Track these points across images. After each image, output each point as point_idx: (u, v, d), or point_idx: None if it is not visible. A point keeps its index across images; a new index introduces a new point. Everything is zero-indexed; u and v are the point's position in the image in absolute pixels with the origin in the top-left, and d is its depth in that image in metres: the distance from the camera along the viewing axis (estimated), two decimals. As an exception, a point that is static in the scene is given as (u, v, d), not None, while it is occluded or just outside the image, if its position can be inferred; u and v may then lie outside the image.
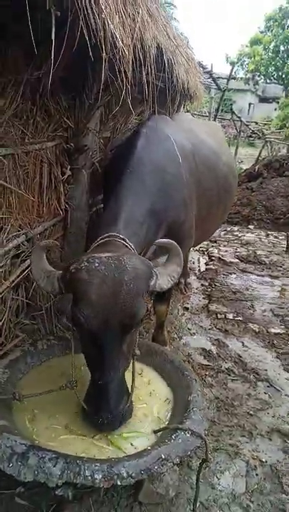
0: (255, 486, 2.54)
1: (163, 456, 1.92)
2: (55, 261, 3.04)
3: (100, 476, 1.77)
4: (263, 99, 37.59)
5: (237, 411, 3.21)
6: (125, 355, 2.20)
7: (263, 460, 2.74)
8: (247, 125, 14.89)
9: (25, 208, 3.07)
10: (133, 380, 2.30)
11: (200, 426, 2.19)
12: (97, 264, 2.08)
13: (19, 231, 3.03)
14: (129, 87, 2.24)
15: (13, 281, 2.96)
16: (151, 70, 2.54)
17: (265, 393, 3.44)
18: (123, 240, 2.42)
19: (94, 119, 3.41)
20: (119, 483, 1.78)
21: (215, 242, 7.94)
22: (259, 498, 2.47)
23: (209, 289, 5.56)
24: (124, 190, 2.71)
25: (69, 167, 3.40)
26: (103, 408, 2.12)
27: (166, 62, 2.92)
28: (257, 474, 2.63)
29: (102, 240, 2.42)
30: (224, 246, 7.70)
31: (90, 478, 1.76)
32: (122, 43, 2.04)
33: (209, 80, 9.13)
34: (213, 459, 2.69)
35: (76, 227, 3.73)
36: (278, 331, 4.48)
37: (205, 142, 3.94)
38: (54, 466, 1.78)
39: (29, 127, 2.89)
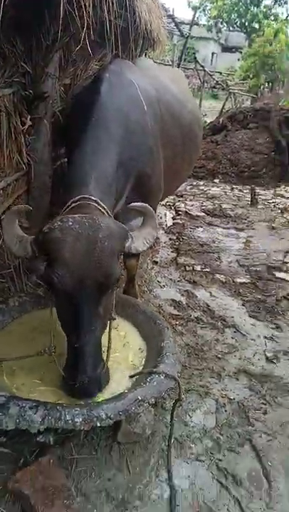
0: (224, 421, 2.73)
1: (139, 398, 2.02)
2: (26, 226, 2.91)
3: (80, 419, 1.84)
4: (226, 49, 36.58)
5: (206, 355, 3.37)
6: (102, 318, 2.19)
7: (231, 398, 2.93)
8: (211, 75, 14.54)
9: (-17, 161, 2.90)
10: (109, 345, 2.32)
11: (173, 369, 2.30)
12: (70, 223, 2.04)
13: (-20, 186, 2.88)
14: (90, 24, 2.08)
15: (-23, 238, 2.85)
16: (112, 5, 2.37)
17: (232, 338, 3.63)
18: (96, 202, 2.34)
19: (53, 63, 3.19)
20: (98, 424, 1.87)
21: (181, 196, 7.96)
22: (228, 431, 2.66)
23: (177, 243, 5.63)
24: (90, 141, 2.59)
25: (29, 116, 3.20)
26: (80, 372, 2.07)
27: (127, -2, 2.73)
28: (226, 410, 2.82)
29: (73, 204, 2.33)
30: (190, 200, 7.74)
31: (70, 422, 1.83)
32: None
33: (171, 25, 8.74)
34: (185, 399, 2.84)
35: (40, 181, 3.58)
36: (244, 280, 4.65)
37: (169, 88, 3.78)
38: (35, 414, 1.83)
39: (-18, 71, 2.67)
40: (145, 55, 5.75)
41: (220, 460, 2.45)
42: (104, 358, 2.28)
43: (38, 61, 3.12)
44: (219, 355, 3.37)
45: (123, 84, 2.97)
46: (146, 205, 2.45)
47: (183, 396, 2.43)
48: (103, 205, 2.36)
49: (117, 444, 2.41)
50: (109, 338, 2.36)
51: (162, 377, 2.18)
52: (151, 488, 2.24)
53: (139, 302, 3.05)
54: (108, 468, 2.30)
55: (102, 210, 2.34)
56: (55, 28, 3.00)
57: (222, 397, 2.94)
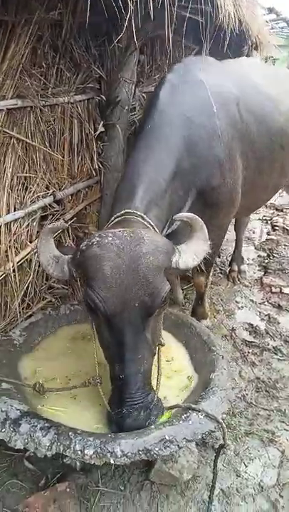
0: (288, 480, 2.23)
1: (167, 438, 1.71)
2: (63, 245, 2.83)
3: (91, 452, 1.61)
4: None
5: (279, 394, 2.87)
6: (149, 344, 1.93)
7: (302, 451, 2.40)
8: None
9: (52, 167, 2.93)
10: (159, 374, 2.04)
11: (217, 408, 1.92)
12: (110, 238, 1.84)
13: (46, 192, 2.90)
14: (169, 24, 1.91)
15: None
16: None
17: (315, 377, 3.04)
18: (141, 217, 2.11)
19: (128, 67, 3.09)
20: (112, 461, 1.61)
21: (281, 210, 7.25)
22: (291, 493, 2.17)
23: (266, 261, 5.08)
24: (143, 151, 2.37)
25: (102, 122, 3.16)
26: (126, 407, 1.83)
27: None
28: (292, 466, 2.31)
29: (117, 219, 2.13)
30: (287, 214, 6.99)
31: (80, 452, 1.61)
32: None
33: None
34: (243, 444, 2.42)
35: (112, 189, 3.51)
36: None
37: (258, 87, 3.31)
38: (44, 436, 1.66)
39: (51, 78, 2.68)
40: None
41: (274, 530, 1.99)
42: (155, 388, 2.01)
43: (112, 66, 3.06)
44: (295, 397, 2.83)
45: (189, 84, 2.67)
46: (194, 215, 2.13)
47: (229, 442, 2.03)
48: (149, 219, 2.12)
49: (149, 483, 2.12)
50: (159, 366, 2.06)
51: (201, 417, 1.83)
52: None
53: (195, 322, 2.71)
54: (135, 509, 2.02)
55: (148, 225, 2.10)
56: (130, 30, 2.91)
57: (290, 448, 2.43)
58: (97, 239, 1.87)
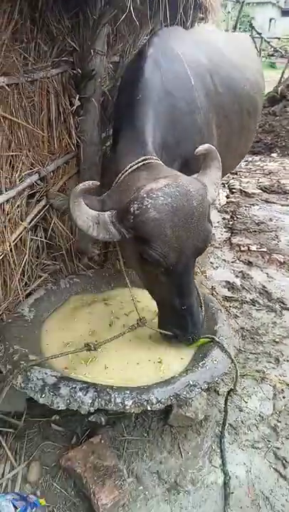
0: (283, 408, 2.60)
1: (191, 383, 1.95)
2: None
3: (131, 402, 1.82)
4: (286, 12, 34.00)
5: (263, 339, 3.22)
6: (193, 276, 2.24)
7: (290, 384, 2.78)
8: (268, 42, 13.56)
9: (35, 143, 2.92)
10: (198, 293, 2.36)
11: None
12: (162, 198, 1.91)
13: (31, 169, 2.91)
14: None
15: (30, 222, 2.90)
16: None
17: (291, 321, 3.43)
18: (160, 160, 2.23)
19: (100, 38, 3.08)
20: (149, 408, 1.83)
21: (236, 173, 7.60)
22: (286, 418, 2.53)
23: (231, 222, 5.41)
24: (141, 117, 2.43)
25: (77, 96, 3.16)
26: (195, 327, 2.19)
27: None
28: (284, 397, 2.68)
29: (138, 165, 2.18)
30: (245, 177, 7.38)
31: (120, 404, 1.81)
32: None
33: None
34: (240, 384, 2.74)
35: (90, 163, 3.55)
36: (304, 260, 4.36)
37: (226, 56, 3.43)
38: (85, 395, 1.83)
39: (31, 52, 2.64)
40: (197, 23, 5.43)
41: (278, 448, 2.35)
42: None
43: (85, 38, 3.03)
44: (277, 339, 3.20)
45: (167, 58, 2.72)
46: (210, 145, 2.29)
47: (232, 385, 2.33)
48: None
49: (168, 427, 2.39)
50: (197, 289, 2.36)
51: (215, 363, 2.10)
52: (204, 473, 2.20)
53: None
54: (160, 450, 2.28)
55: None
56: (101, 2, 2.90)
57: (280, 383, 2.79)
58: (150, 201, 1.91)
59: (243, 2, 9.92)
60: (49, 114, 3.04)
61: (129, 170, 2.18)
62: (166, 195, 1.92)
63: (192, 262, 2.11)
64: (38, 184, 3.01)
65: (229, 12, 11.10)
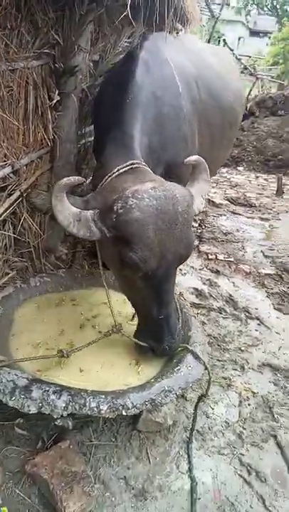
0: (248, 415, 2.64)
1: (166, 388, 1.93)
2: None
3: (106, 407, 1.77)
4: (254, 33, 35.42)
5: (229, 347, 3.27)
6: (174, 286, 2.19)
7: (255, 391, 2.83)
8: (239, 59, 14.04)
9: (9, 134, 2.81)
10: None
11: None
12: (147, 200, 1.87)
13: (5, 161, 2.79)
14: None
15: (-1, 215, 2.78)
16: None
17: (256, 330, 3.51)
18: (147, 166, 2.21)
19: (84, 35, 3.03)
20: (124, 413, 1.79)
21: (204, 183, 7.75)
22: (251, 425, 2.57)
23: (199, 230, 5.49)
24: (129, 120, 2.41)
25: (57, 91, 3.08)
26: (172, 338, 2.16)
27: None
28: (249, 404, 2.73)
29: (124, 169, 2.15)
30: (213, 188, 7.55)
31: (95, 409, 1.76)
32: None
33: (202, 4, 8.40)
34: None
35: (64, 159, 3.46)
36: (268, 271, 4.50)
37: (211, 66, 3.49)
38: (58, 399, 1.76)
39: (13, 39, 2.54)
40: (177, 33, 5.49)
41: (242, 455, 2.37)
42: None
43: (69, 33, 2.97)
44: (242, 348, 3.26)
45: (158, 63, 2.74)
46: (199, 157, 2.29)
47: (202, 391, 2.35)
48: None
49: (137, 432, 2.35)
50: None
51: (189, 369, 2.09)
52: (171, 479, 2.18)
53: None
54: (128, 456, 2.24)
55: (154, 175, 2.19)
56: (89, -1, 2.85)
57: (245, 390, 2.84)
58: (134, 201, 1.87)
59: (218, 17, 10.20)
60: (26, 105, 2.94)
61: (116, 173, 2.15)
62: (151, 197, 1.89)
63: (173, 269, 2.06)
64: (10, 177, 2.90)
65: (204, 25, 11.37)
